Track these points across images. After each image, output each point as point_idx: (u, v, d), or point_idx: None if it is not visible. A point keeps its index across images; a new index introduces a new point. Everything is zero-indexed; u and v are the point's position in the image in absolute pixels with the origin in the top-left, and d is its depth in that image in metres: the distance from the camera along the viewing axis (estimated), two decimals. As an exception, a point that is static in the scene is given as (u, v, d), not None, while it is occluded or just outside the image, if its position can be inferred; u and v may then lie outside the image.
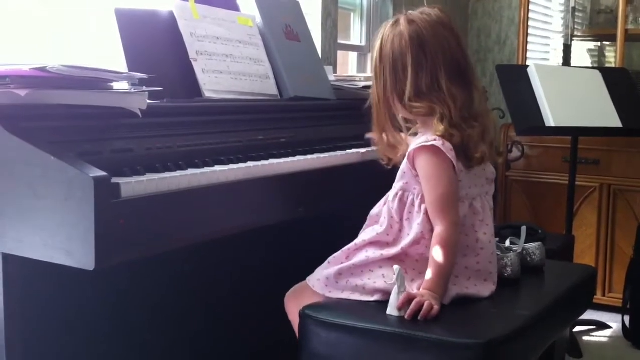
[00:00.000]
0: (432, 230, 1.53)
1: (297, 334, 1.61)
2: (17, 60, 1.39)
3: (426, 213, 1.53)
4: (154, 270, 1.70)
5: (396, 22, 1.61)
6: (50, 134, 1.30)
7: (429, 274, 1.49)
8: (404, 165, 1.58)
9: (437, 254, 1.49)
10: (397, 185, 1.59)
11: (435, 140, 1.52)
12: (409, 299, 1.42)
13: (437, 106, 1.56)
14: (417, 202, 1.56)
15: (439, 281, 1.48)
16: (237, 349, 2.00)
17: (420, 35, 1.57)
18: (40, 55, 1.83)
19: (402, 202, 1.57)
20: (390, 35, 1.60)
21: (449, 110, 1.55)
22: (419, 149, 1.54)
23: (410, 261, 1.55)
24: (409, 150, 1.57)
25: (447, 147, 1.52)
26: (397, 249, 1.55)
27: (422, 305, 1.41)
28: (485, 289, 1.57)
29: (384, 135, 1.68)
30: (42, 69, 1.30)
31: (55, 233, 1.22)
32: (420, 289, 1.47)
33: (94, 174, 1.19)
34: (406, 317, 1.41)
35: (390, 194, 1.60)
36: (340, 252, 1.61)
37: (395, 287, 1.43)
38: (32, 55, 1.81)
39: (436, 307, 1.42)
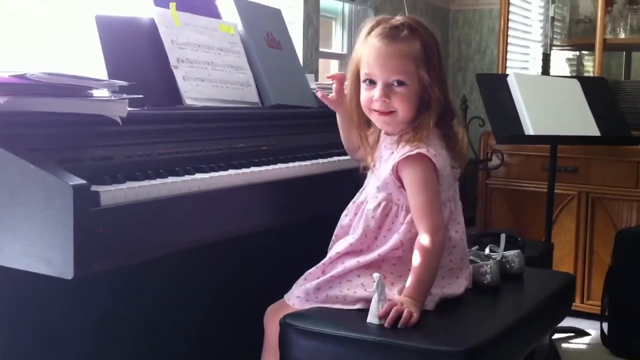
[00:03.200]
0: (412, 238, 1.53)
1: (267, 348, 1.62)
2: (17, 60, 1.38)
3: (409, 223, 1.53)
4: (135, 279, 1.68)
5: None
6: (30, 142, 1.29)
7: (409, 281, 1.48)
8: (387, 176, 1.56)
9: (418, 260, 1.49)
10: (379, 195, 1.58)
11: (419, 148, 1.52)
12: (390, 308, 1.42)
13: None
14: (401, 214, 1.55)
15: (419, 288, 1.47)
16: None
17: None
18: (40, 56, 1.81)
19: (384, 213, 1.57)
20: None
21: (437, 114, 1.57)
22: (405, 159, 1.53)
23: (387, 265, 1.55)
24: (393, 162, 1.55)
25: (431, 153, 1.53)
26: (373, 255, 1.55)
27: (401, 313, 1.41)
28: (460, 286, 1.58)
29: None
30: (22, 76, 1.29)
31: (35, 241, 1.21)
32: (401, 296, 1.47)
33: (73, 182, 1.19)
34: (385, 325, 1.41)
35: (370, 204, 1.59)
36: (315, 267, 1.60)
37: (376, 295, 1.44)
38: (32, 56, 1.80)
39: (415, 315, 1.42)
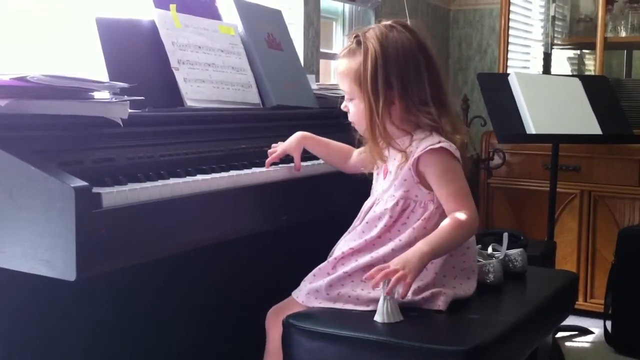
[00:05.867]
0: (426, 235, 1.50)
1: (269, 352, 1.61)
2: (17, 61, 1.37)
3: (425, 220, 1.53)
4: (136, 280, 1.68)
5: (391, 27, 1.57)
6: (31, 144, 1.29)
7: (431, 236, 1.47)
8: (405, 173, 1.55)
9: (448, 225, 1.48)
10: (396, 193, 1.56)
11: (440, 142, 1.53)
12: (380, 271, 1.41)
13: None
14: (418, 210, 1.55)
15: (433, 247, 1.45)
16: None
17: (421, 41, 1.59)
18: (40, 57, 1.81)
19: (402, 210, 1.56)
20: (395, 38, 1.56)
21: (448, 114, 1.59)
22: (427, 153, 1.52)
23: None
24: (413, 157, 1.54)
25: (453, 148, 1.54)
26: (386, 249, 1.53)
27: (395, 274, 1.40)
28: (471, 287, 1.58)
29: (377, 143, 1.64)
30: (23, 79, 1.29)
31: (36, 244, 1.21)
32: (416, 245, 1.46)
33: (75, 184, 1.18)
34: (372, 286, 1.42)
35: (388, 203, 1.57)
36: (325, 263, 1.59)
37: (382, 293, 1.43)
38: (32, 57, 1.80)
39: (410, 278, 1.41)
